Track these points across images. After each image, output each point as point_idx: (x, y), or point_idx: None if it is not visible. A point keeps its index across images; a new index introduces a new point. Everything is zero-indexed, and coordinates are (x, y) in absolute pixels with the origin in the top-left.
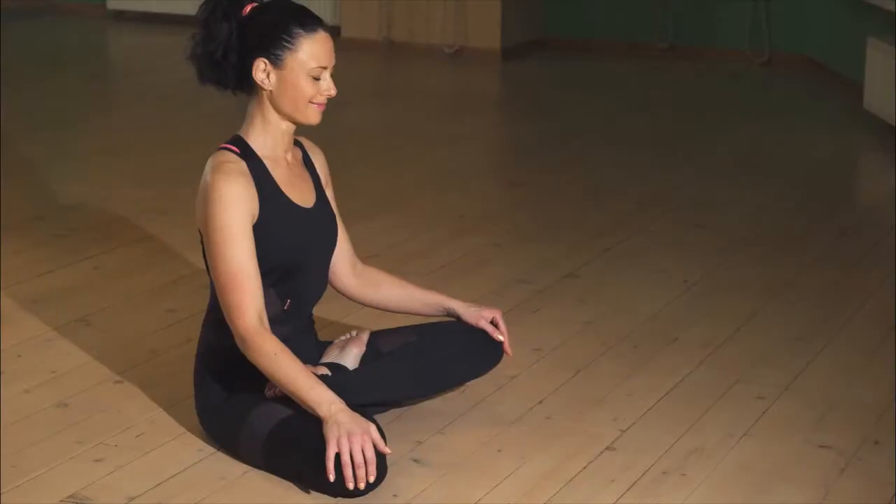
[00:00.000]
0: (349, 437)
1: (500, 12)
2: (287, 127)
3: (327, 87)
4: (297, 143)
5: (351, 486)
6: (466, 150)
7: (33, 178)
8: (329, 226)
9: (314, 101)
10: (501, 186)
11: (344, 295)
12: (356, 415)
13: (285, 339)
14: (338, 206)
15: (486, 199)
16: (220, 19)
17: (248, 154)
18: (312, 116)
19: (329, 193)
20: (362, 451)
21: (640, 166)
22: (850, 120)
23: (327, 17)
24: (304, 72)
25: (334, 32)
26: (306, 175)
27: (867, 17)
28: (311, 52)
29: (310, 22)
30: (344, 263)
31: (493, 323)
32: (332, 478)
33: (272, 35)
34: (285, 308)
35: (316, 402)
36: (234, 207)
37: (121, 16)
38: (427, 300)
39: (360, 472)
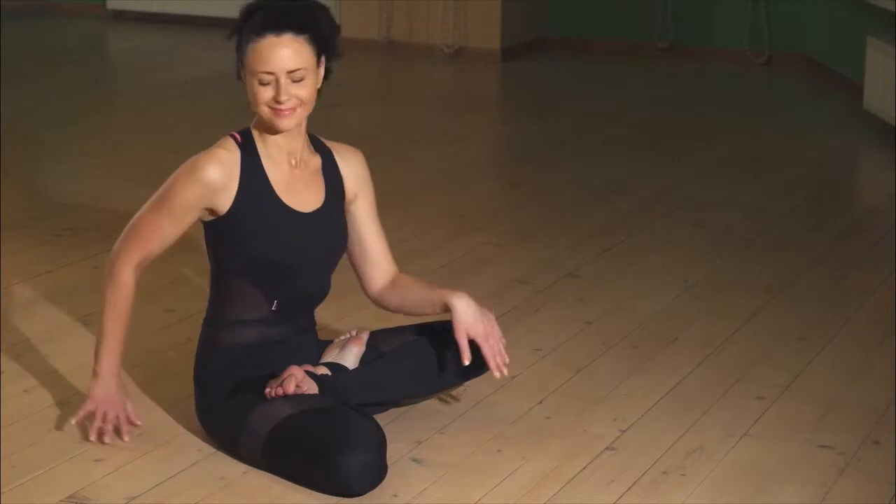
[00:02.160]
0: (106, 401)
1: (500, 12)
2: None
3: (274, 94)
4: (323, 150)
5: (92, 437)
6: (466, 150)
7: (33, 178)
8: (329, 233)
9: (270, 105)
10: (501, 186)
11: (375, 304)
12: (119, 391)
13: (280, 342)
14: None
15: (486, 199)
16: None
17: (247, 146)
18: (275, 121)
19: (361, 204)
20: (115, 417)
21: (640, 166)
22: (850, 120)
23: None
24: (254, 77)
25: None
26: (315, 181)
27: (867, 17)
28: (256, 57)
29: (260, 25)
30: (373, 275)
31: (483, 341)
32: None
33: (238, 37)
34: (273, 309)
35: (97, 365)
36: (195, 190)
37: (121, 16)
38: (433, 299)
39: (107, 426)
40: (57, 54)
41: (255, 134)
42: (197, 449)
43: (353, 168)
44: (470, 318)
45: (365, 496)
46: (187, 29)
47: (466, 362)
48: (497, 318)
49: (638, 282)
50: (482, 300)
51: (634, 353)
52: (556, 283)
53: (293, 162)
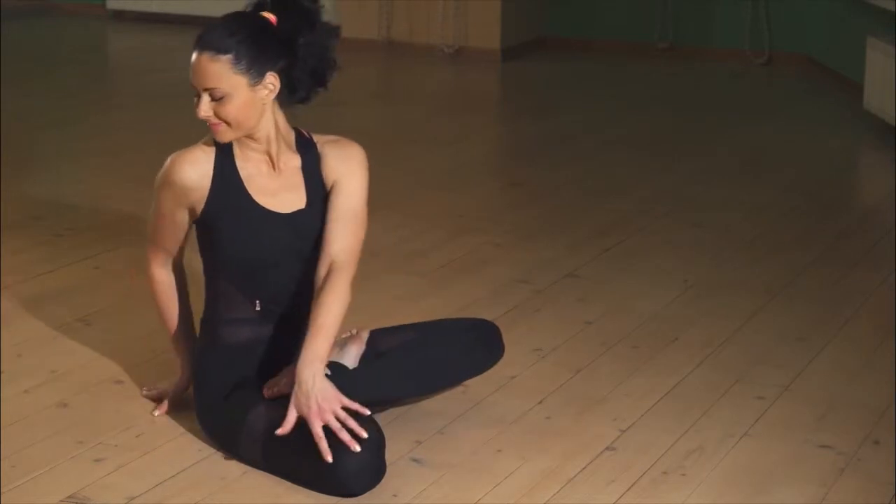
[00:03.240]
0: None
1: (500, 12)
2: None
3: (197, 106)
4: (307, 148)
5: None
6: (466, 150)
7: (33, 178)
8: (311, 234)
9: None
10: (501, 186)
11: None
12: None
13: (276, 341)
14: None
15: (486, 198)
16: None
17: (224, 146)
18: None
19: (336, 188)
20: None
21: (640, 166)
22: (850, 120)
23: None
24: None
25: None
26: (296, 182)
27: (867, 17)
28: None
29: (194, 41)
30: (320, 261)
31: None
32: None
33: None
34: (257, 309)
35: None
36: (171, 191)
37: (121, 16)
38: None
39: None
40: (57, 54)
41: None
42: (197, 449)
43: (335, 161)
44: (300, 397)
45: (364, 496)
46: (187, 29)
47: (279, 432)
48: (497, 318)
49: (638, 282)
50: (482, 300)
51: (634, 353)
52: (556, 283)
53: (270, 163)
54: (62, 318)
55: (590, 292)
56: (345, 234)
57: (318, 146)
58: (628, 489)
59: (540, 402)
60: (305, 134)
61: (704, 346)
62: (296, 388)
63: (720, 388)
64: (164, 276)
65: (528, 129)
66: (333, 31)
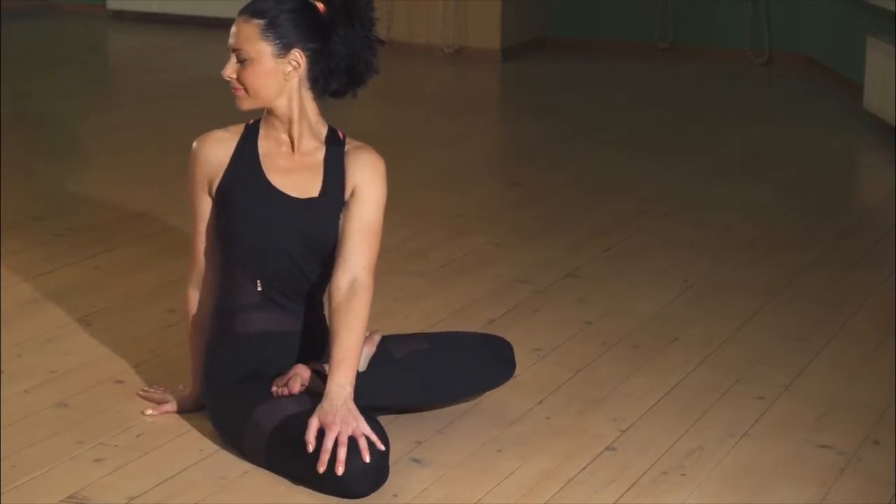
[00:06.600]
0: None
1: (500, 12)
2: (268, 111)
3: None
4: (335, 143)
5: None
6: (466, 150)
7: (33, 178)
8: (320, 222)
9: None
10: (501, 186)
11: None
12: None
13: (286, 334)
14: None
15: (486, 198)
16: None
17: (252, 128)
18: None
19: (354, 199)
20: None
21: (640, 166)
22: (850, 120)
23: None
24: None
25: None
26: (314, 170)
27: (867, 17)
28: None
29: None
30: (336, 269)
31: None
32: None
33: None
34: (258, 290)
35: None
36: (194, 167)
37: (121, 16)
38: (332, 358)
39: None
40: (57, 54)
41: (263, 118)
42: (197, 449)
43: (359, 165)
44: (326, 407)
45: (365, 496)
46: (187, 29)
47: (310, 449)
48: (497, 319)
49: (638, 282)
50: (482, 300)
51: (634, 353)
52: (556, 283)
53: (291, 148)
54: (62, 318)
55: (590, 292)
56: (366, 250)
57: (347, 145)
58: (628, 489)
59: (540, 402)
60: (340, 133)
61: (704, 346)
62: (324, 401)
63: (720, 388)
64: (192, 299)
65: (528, 129)
66: (373, 33)
